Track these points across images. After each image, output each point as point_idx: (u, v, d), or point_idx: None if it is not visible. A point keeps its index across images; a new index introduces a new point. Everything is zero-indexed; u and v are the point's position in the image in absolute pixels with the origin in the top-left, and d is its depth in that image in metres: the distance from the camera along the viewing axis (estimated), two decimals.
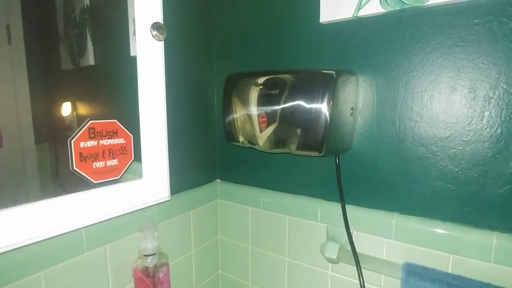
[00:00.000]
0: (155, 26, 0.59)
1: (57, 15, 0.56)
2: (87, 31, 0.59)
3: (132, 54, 0.60)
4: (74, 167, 0.50)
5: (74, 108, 0.56)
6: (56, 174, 0.54)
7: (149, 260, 0.60)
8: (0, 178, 0.48)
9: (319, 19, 0.63)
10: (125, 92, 0.62)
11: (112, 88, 0.63)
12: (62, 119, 0.55)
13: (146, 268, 0.60)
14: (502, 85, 0.49)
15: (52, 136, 0.54)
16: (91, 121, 0.52)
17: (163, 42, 0.62)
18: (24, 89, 0.51)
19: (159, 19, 0.61)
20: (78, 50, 0.58)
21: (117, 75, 0.63)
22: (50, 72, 0.56)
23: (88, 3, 0.59)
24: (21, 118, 0.51)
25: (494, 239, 0.50)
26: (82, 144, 0.51)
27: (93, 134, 0.52)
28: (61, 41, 0.56)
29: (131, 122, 0.59)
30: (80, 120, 0.52)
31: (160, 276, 0.61)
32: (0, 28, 0.49)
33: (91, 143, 0.52)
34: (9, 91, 0.49)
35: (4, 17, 0.49)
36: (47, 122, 0.55)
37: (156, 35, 0.59)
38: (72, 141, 0.49)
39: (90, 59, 0.59)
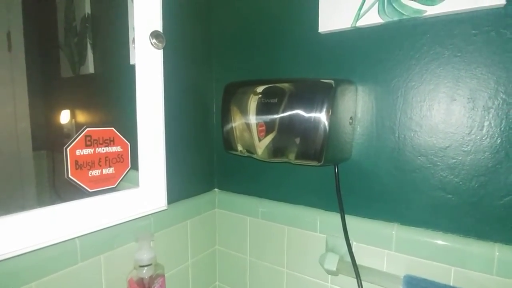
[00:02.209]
0: (154, 35, 0.59)
1: (58, 24, 0.56)
2: (88, 39, 0.59)
3: (131, 62, 0.61)
4: (70, 175, 0.49)
5: (72, 115, 0.56)
6: (53, 182, 0.54)
7: (144, 271, 0.58)
8: None
9: (318, 29, 0.63)
10: (123, 100, 0.62)
11: (110, 96, 0.63)
12: (60, 126, 0.55)
13: (141, 279, 0.59)
14: (501, 95, 0.49)
15: (50, 143, 0.54)
16: (87, 129, 0.51)
17: (162, 50, 0.62)
18: (23, 96, 0.51)
19: (158, 27, 0.61)
20: (78, 58, 0.58)
21: (116, 83, 0.63)
22: (49, 79, 0.56)
23: (89, 12, 0.59)
24: (19, 125, 0.51)
25: (496, 251, 0.50)
26: (78, 152, 0.50)
27: (89, 141, 0.51)
28: (61, 49, 0.57)
29: (129, 130, 0.59)
30: (79, 127, 0.52)
31: (155, 287, 0.59)
32: (0, 36, 0.49)
33: (87, 151, 0.51)
34: (8, 98, 0.49)
35: (5, 25, 0.49)
36: (45, 130, 0.54)
37: (155, 43, 0.59)
38: (68, 149, 0.49)
39: (89, 67, 0.59)
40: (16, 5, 0.51)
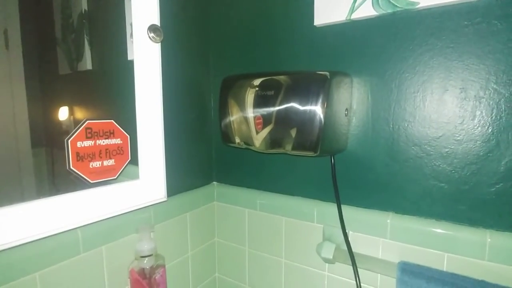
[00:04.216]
0: (152, 29, 0.60)
1: (55, 20, 0.56)
2: (85, 35, 0.59)
3: (129, 58, 0.61)
4: (71, 167, 0.50)
5: (71, 112, 0.56)
6: (53, 180, 0.54)
7: (145, 262, 0.60)
8: None
9: (313, 22, 0.64)
10: (122, 94, 0.63)
11: (109, 91, 0.63)
12: (59, 123, 0.55)
13: (143, 269, 0.60)
14: (492, 85, 0.50)
15: (49, 140, 0.55)
16: (88, 121, 0.52)
17: (160, 44, 0.63)
18: (21, 94, 0.51)
19: (156, 21, 0.62)
20: (76, 54, 0.58)
21: (114, 79, 0.64)
22: (47, 76, 0.56)
23: (86, 8, 0.59)
24: (18, 123, 0.51)
25: (488, 237, 0.51)
26: (79, 144, 0.51)
27: (90, 134, 0.52)
28: (58, 46, 0.57)
29: (128, 123, 0.59)
30: (77, 124, 0.52)
31: (156, 277, 0.61)
32: None
33: (88, 143, 0.52)
34: (6, 96, 0.50)
35: (1, 22, 0.50)
36: (44, 127, 0.55)
37: (153, 37, 0.60)
38: (69, 141, 0.49)
39: (87, 63, 0.60)
40: (12, 2, 0.51)
